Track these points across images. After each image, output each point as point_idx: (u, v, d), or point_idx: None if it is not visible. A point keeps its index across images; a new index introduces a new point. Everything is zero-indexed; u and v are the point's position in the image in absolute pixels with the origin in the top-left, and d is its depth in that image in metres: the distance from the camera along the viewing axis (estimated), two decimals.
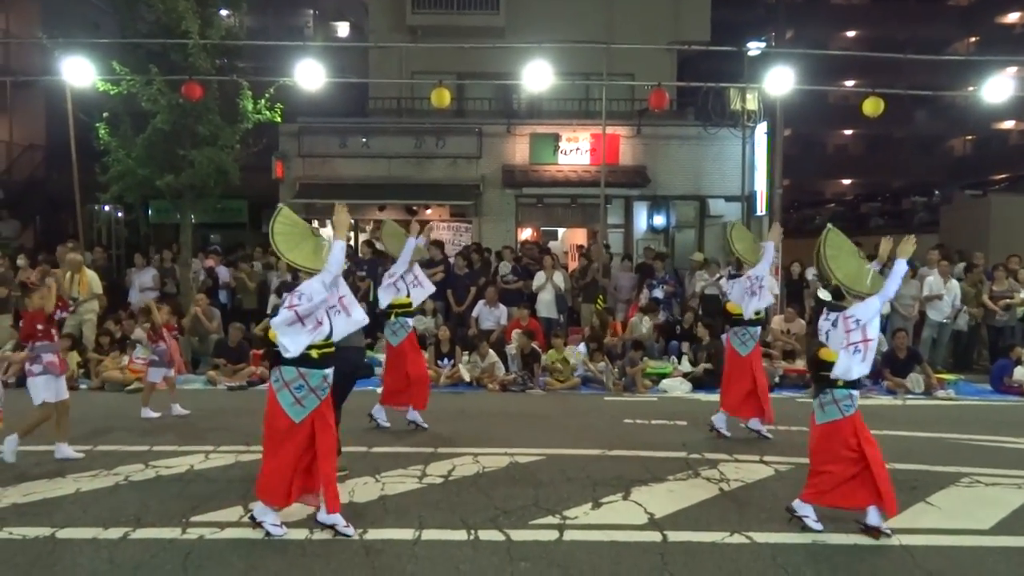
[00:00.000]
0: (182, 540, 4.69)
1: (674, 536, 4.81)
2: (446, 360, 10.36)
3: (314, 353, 4.70)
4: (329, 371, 4.82)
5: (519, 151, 16.68)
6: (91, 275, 10.89)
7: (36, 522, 4.93)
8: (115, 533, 4.76)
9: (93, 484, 5.73)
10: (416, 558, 4.49)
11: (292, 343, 4.63)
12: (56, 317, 6.59)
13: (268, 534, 4.69)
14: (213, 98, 11.75)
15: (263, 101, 11.90)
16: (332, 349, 4.85)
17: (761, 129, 15.25)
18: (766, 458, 6.60)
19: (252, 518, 4.80)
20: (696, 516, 5.18)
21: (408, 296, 7.43)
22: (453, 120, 16.88)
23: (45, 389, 6.33)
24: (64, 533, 4.77)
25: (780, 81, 11.90)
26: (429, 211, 16.69)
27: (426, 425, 7.52)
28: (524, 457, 6.55)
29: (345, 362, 5.30)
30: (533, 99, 17.36)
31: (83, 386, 9.88)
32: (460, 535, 4.80)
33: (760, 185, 15.47)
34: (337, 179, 16.13)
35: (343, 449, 5.71)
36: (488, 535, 4.80)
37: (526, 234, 17.10)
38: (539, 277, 12.13)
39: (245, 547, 4.61)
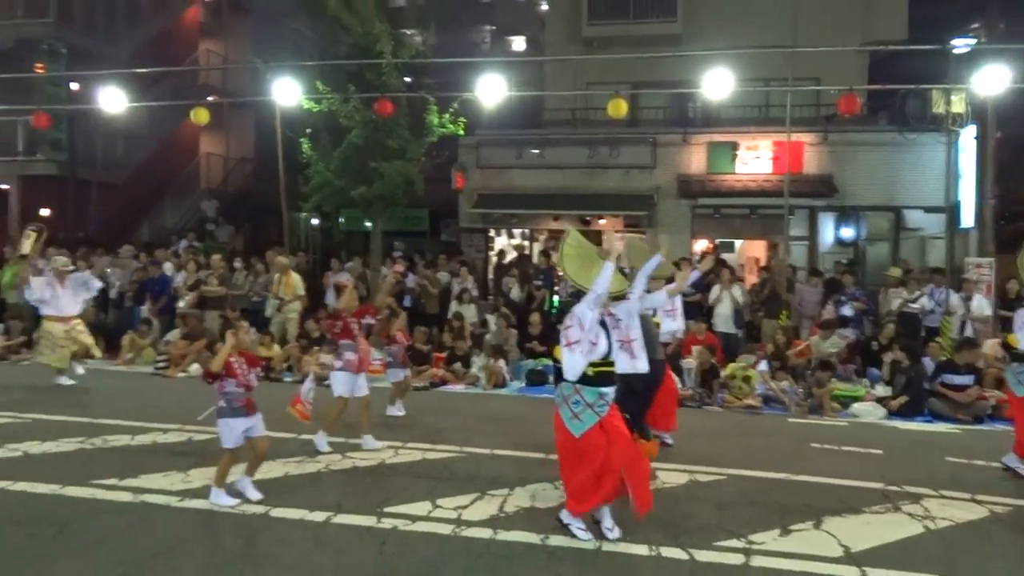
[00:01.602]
0: (378, 529, 5.00)
1: (875, 573, 4.48)
2: None
3: (590, 371, 4.80)
4: (607, 389, 4.88)
5: (695, 160, 16.31)
6: (296, 277, 11.90)
7: (253, 499, 5.44)
8: (319, 516, 5.16)
9: (300, 469, 6.25)
10: (597, 569, 4.50)
11: (571, 366, 4.82)
12: (364, 322, 7.14)
13: (575, 537, 4.84)
14: (403, 113, 12.47)
15: (447, 115, 12.47)
16: (611, 368, 4.94)
17: (968, 133, 13.91)
18: (979, 497, 5.99)
19: (559, 519, 4.96)
20: (899, 555, 4.80)
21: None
22: (627, 130, 16.81)
23: (342, 384, 6.89)
24: (277, 512, 5.24)
25: (992, 80, 10.79)
26: (603, 222, 16.72)
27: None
28: (704, 476, 6.37)
29: (643, 376, 5.55)
30: (710, 107, 16.91)
31: (287, 379, 10.78)
32: (642, 550, 4.75)
33: (966, 195, 14.11)
34: (513, 190, 16.55)
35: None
36: (670, 552, 4.71)
37: (701, 245, 16.67)
38: (715, 291, 11.78)
39: (435, 541, 4.83)
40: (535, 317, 11.73)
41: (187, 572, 4.34)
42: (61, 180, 18.56)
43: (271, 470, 6.07)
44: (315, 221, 21.63)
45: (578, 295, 5.23)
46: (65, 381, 9.70)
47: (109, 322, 13.12)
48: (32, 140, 18.09)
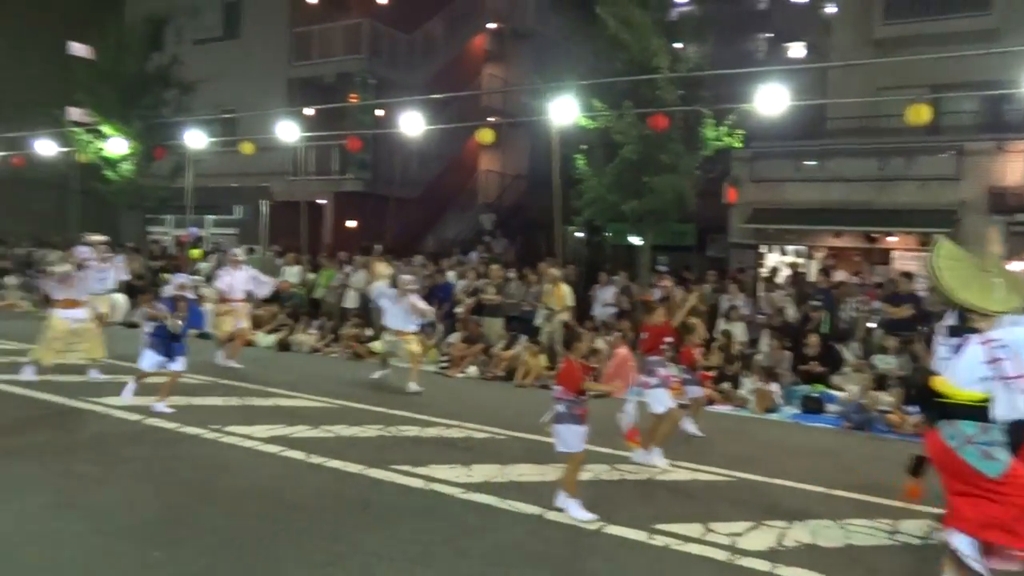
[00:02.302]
0: (649, 545, 4.97)
1: None
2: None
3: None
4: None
5: (1012, 171, 14.19)
6: (566, 289, 12.32)
7: (530, 499, 5.69)
8: (592, 525, 5.25)
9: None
10: None
11: (1013, 405, 3.96)
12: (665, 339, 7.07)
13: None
14: (676, 127, 12.37)
15: (723, 128, 12.16)
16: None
17: None
18: None
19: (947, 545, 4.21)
20: None
21: None
22: (926, 138, 15.10)
23: (663, 399, 6.88)
24: (551, 515, 5.42)
25: None
26: (893, 239, 15.19)
27: None
28: None
29: None
30: None
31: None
32: None
33: None
34: (790, 204, 15.65)
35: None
36: None
37: (1018, 267, 14.43)
38: None
39: (710, 567, 4.69)
40: (813, 339, 10.96)
41: (473, 559, 4.64)
42: (365, 196, 21.05)
43: (546, 474, 6.31)
44: (579, 234, 22.23)
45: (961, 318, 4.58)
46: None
47: None
48: (344, 161, 20.74)
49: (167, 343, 8.03)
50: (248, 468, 6.26)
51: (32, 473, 5.80)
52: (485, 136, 12.80)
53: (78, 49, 24.42)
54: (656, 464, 6.81)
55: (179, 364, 8.12)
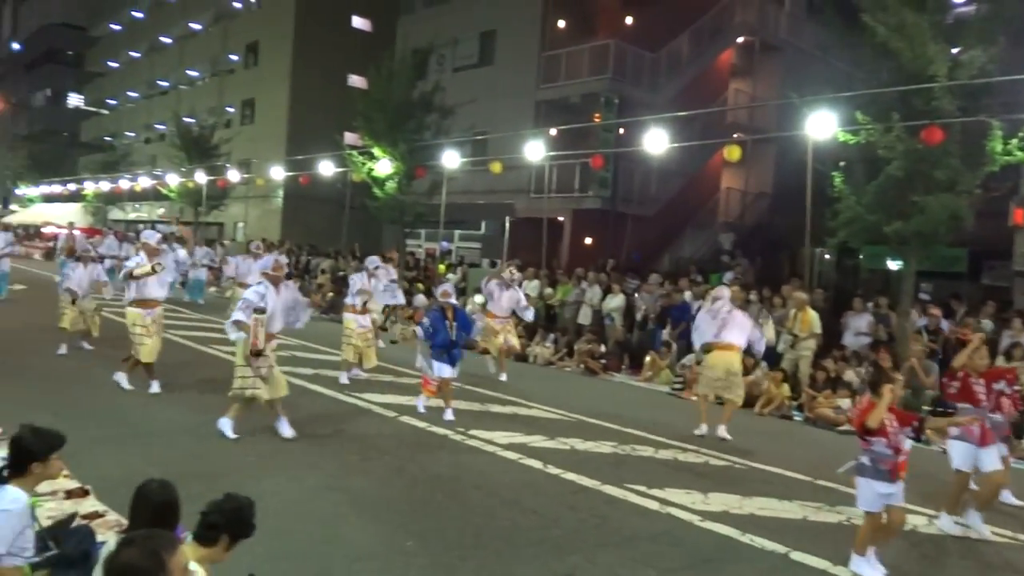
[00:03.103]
0: None
1: None
2: None
3: None
4: None
5: None
6: (812, 314, 11.52)
7: (773, 536, 5.36)
8: (842, 571, 4.82)
9: (819, 516, 5.96)
10: None
11: None
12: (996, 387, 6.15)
13: None
14: (953, 141, 11.07)
15: (1014, 141, 10.65)
16: None
17: None
18: None
19: None
20: None
21: None
22: None
23: (960, 455, 5.97)
24: (796, 555, 5.07)
25: None
26: None
27: None
28: None
29: None
30: None
31: (796, 417, 10.49)
32: None
33: None
34: None
35: None
36: None
37: None
38: None
39: None
40: None
41: None
42: (603, 213, 21.31)
43: (790, 512, 5.92)
44: (828, 256, 20.68)
45: None
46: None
47: (634, 341, 14.52)
48: (585, 179, 21.17)
49: (448, 351, 8.44)
50: (490, 472, 6.56)
51: (313, 459, 6.54)
52: (732, 153, 12.37)
53: (356, 81, 27.43)
54: (980, 532, 5.81)
55: (453, 371, 8.51)
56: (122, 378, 8.55)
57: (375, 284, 10.73)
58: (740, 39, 24.47)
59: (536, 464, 6.82)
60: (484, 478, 6.34)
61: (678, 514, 5.75)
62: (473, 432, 7.81)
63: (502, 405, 9.49)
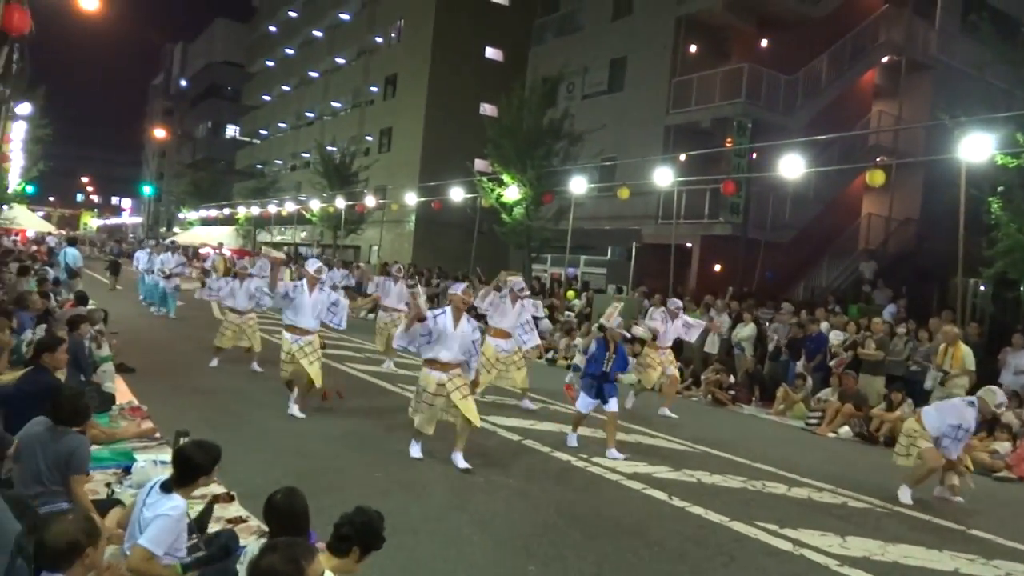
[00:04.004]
0: None
1: None
2: None
3: None
4: None
5: None
6: (965, 350, 10.68)
7: None
8: None
9: (972, 569, 5.49)
10: None
11: None
12: None
13: None
14: None
15: None
16: None
17: None
18: None
19: None
20: None
21: None
22: None
23: None
24: None
25: None
26: None
27: None
28: None
29: None
30: None
31: None
32: None
33: None
34: None
35: None
36: None
37: None
38: None
39: None
40: None
41: None
42: (733, 239, 20.69)
43: (939, 562, 5.49)
44: (982, 288, 19.10)
45: None
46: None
47: (765, 373, 13.96)
48: (715, 204, 20.69)
49: (599, 384, 8.17)
50: (613, 500, 6.49)
51: (437, 478, 6.70)
52: (876, 178, 11.74)
53: (487, 109, 28.19)
54: None
55: (611, 405, 8.07)
56: (295, 409, 8.47)
57: (521, 311, 10.09)
58: (884, 59, 23.30)
59: (661, 495, 6.68)
60: (607, 507, 6.27)
61: (813, 556, 5.45)
62: (596, 460, 7.76)
63: (626, 434, 9.35)
